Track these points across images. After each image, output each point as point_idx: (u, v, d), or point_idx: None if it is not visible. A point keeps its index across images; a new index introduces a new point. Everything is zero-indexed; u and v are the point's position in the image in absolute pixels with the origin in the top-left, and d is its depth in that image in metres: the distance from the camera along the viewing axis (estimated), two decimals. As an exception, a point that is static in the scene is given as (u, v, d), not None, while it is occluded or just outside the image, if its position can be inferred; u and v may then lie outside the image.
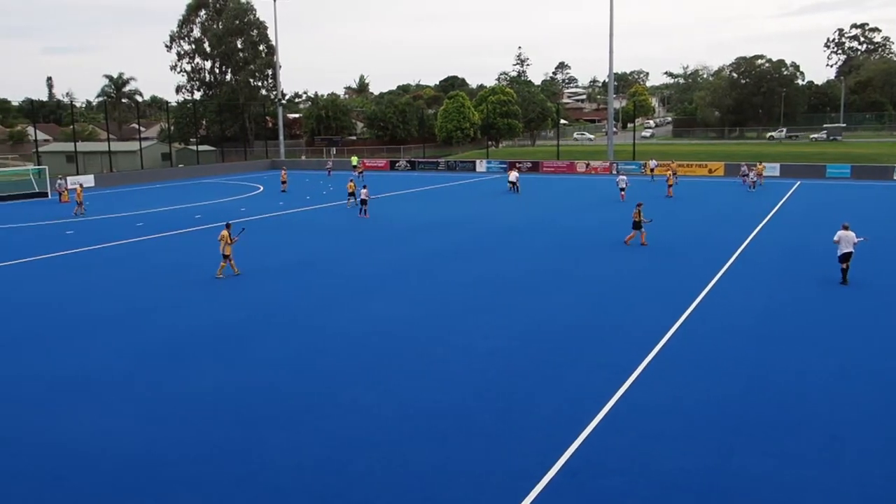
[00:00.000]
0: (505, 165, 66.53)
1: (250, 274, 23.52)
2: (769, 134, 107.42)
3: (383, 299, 20.18)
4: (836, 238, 20.95)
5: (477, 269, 23.97)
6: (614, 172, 61.49)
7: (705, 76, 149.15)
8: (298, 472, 10.45)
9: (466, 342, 16.27)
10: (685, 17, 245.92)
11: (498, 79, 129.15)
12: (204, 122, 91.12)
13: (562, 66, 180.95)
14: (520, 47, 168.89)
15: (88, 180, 56.37)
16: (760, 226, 32.40)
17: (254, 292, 21.26)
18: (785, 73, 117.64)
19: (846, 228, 20.90)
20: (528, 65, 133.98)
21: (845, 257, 20.76)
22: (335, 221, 36.16)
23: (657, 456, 10.78)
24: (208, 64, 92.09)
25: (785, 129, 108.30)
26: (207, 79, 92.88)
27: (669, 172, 47.03)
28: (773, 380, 13.78)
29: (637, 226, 27.03)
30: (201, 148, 78.64)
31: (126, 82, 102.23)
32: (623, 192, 43.01)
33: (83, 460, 10.92)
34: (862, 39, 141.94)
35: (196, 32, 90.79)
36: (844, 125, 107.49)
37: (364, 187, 38.52)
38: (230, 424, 12.12)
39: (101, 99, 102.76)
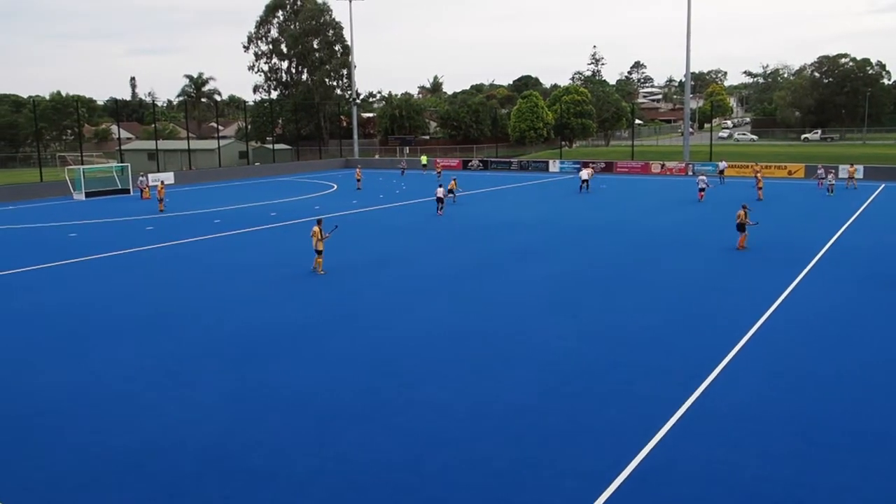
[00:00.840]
0: (578, 165, 65.90)
1: (329, 271, 23.98)
2: (803, 136, 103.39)
3: (456, 298, 20.35)
4: None
5: (551, 269, 23.95)
6: (690, 173, 60.45)
7: (786, 75, 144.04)
8: (373, 468, 10.64)
9: (540, 342, 16.29)
10: (766, 15, 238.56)
11: (572, 78, 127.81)
12: (280, 121, 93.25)
13: (637, 65, 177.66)
14: (594, 46, 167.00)
15: (168, 177, 58.57)
16: (843, 229, 31.26)
17: (330, 290, 21.74)
18: (870, 72, 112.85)
19: None
20: (602, 64, 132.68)
21: None
22: (409, 220, 36.56)
23: (731, 464, 10.61)
24: (285, 64, 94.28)
25: (820, 131, 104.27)
26: (284, 78, 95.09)
27: (759, 175, 44.80)
28: (851, 388, 13.39)
29: (741, 228, 26.25)
30: (277, 146, 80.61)
31: (205, 82, 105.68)
32: (702, 193, 42.55)
33: (164, 451, 11.47)
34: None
35: (273, 33, 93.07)
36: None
37: (440, 186, 39.30)
38: (307, 419, 12.47)
39: (181, 98, 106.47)
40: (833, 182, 45.23)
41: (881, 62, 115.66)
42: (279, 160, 76.72)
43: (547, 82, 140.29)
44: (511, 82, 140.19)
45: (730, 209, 38.47)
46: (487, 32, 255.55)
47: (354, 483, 10.23)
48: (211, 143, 76.17)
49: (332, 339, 16.86)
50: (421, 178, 61.72)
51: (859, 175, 50.82)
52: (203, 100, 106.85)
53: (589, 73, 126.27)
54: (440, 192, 37.85)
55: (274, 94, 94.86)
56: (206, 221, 36.77)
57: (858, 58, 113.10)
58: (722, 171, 54.99)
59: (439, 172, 59.68)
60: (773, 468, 10.50)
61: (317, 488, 10.13)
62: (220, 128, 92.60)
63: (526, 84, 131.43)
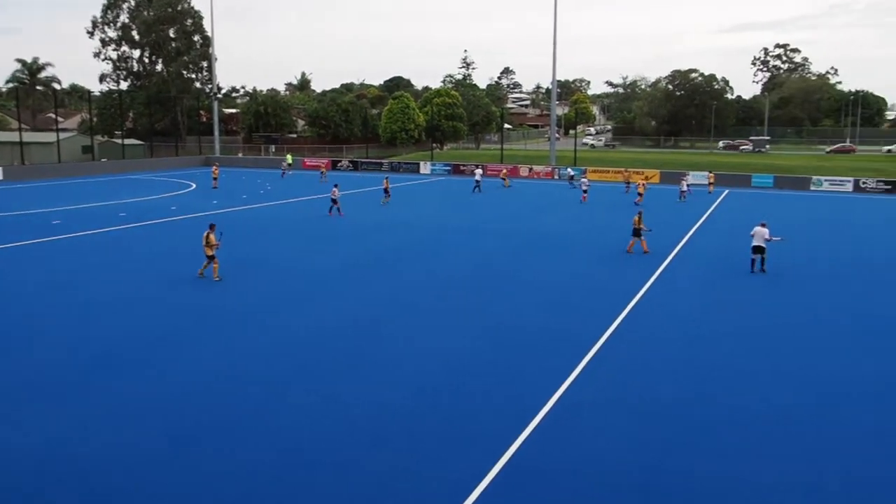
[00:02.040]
0: (449, 168, 65.62)
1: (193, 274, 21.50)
2: (741, 147, 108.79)
3: (325, 300, 19.44)
4: (752, 232, 23.97)
5: (425, 270, 23.29)
6: (556, 177, 61.75)
7: (643, 87, 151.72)
8: (234, 478, 9.92)
9: (410, 343, 15.80)
10: (627, 29, 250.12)
11: (443, 81, 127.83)
12: (131, 114, 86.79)
13: (507, 71, 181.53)
14: (465, 50, 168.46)
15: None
16: (692, 231, 32.72)
17: (201, 293, 20.06)
18: (716, 87, 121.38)
19: (763, 226, 23.73)
20: (473, 68, 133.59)
21: (756, 249, 23.54)
22: (278, 221, 34.11)
23: (597, 455, 10.70)
24: (137, 53, 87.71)
25: (722, 142, 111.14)
26: (136, 68, 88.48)
27: (642, 182, 45.93)
28: (706, 376, 14.01)
29: (637, 233, 26.52)
30: (128, 141, 74.65)
31: (42, 68, 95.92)
32: (585, 195, 44.19)
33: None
34: (784, 59, 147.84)
35: (124, 18, 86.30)
36: (769, 138, 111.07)
37: (335, 185, 38.22)
38: (164, 430, 11.27)
39: (11, 85, 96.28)
40: (685, 189, 46.34)
41: (725, 78, 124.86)
42: (130, 156, 70.84)
43: (418, 84, 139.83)
44: (382, 82, 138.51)
45: (601, 212, 38.90)
46: (359, 30, 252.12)
47: (217, 496, 9.46)
48: (48, 136, 69.20)
49: (192, 347, 15.42)
50: (287, 179, 58.82)
51: (704, 181, 53.43)
52: (39, 87, 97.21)
53: (460, 77, 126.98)
54: (336, 192, 36.49)
55: (124, 85, 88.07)
56: (44, 222, 32.57)
57: (706, 73, 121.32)
58: (572, 177, 56.76)
59: (324, 173, 57.13)
60: (637, 453, 10.74)
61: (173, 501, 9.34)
62: (60, 119, 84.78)
63: (397, 85, 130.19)
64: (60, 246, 27.16)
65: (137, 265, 23.75)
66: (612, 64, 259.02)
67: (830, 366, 14.73)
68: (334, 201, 36.00)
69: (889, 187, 53.48)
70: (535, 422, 11.68)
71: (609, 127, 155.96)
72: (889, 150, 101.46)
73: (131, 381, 13.35)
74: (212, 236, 21.17)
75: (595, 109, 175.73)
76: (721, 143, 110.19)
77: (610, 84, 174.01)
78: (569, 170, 58.79)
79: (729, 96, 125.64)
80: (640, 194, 43.23)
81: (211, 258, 21.27)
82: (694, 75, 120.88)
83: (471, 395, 12.85)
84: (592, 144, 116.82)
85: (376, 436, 11.22)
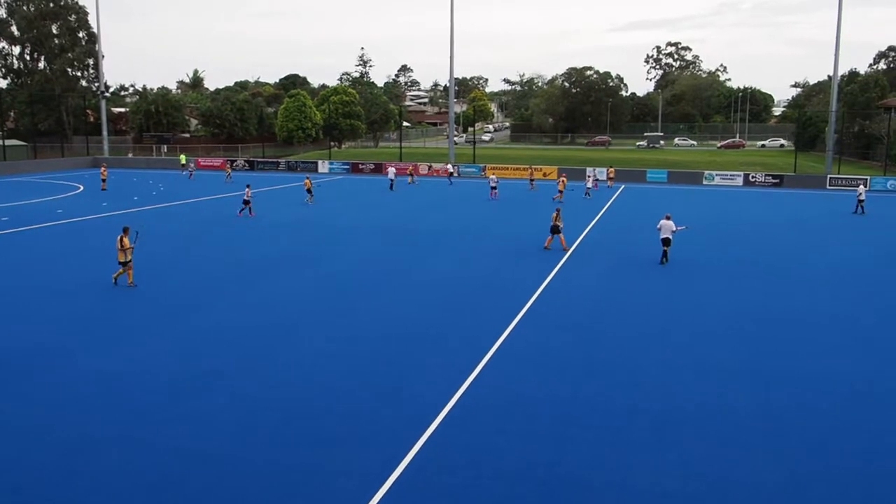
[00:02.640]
0: (348, 166, 66.00)
1: (88, 283, 21.23)
2: (637, 143, 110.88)
3: (227, 303, 19.20)
4: (658, 226, 24.89)
5: (322, 270, 23.39)
6: (456, 175, 63.07)
7: (540, 84, 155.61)
8: (130, 492, 9.68)
9: (309, 345, 15.80)
10: (523, 27, 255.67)
11: (340, 79, 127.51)
12: (12, 113, 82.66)
13: (404, 68, 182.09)
14: (362, 48, 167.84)
15: None
16: (592, 224, 33.99)
17: (78, 303, 19.49)
18: (611, 84, 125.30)
19: (668, 218, 24.62)
20: (370, 66, 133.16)
21: (665, 242, 24.49)
22: (172, 224, 33.81)
23: (498, 450, 10.95)
24: (16, 49, 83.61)
25: (647, 140, 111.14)
26: (16, 65, 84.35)
27: (562, 179, 45.99)
28: (605, 367, 14.47)
29: (556, 230, 26.69)
30: (8, 142, 71.12)
31: None
32: (494, 191, 44.63)
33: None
34: (676, 57, 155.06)
35: (1, 13, 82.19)
36: (662, 134, 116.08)
37: (247, 186, 38.18)
38: (53, 442, 10.84)
39: None
40: (591, 186, 46.91)
41: (620, 76, 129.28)
42: (11, 158, 67.62)
43: (315, 82, 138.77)
44: (278, 80, 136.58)
45: (509, 209, 40.29)
46: (252, 28, 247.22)
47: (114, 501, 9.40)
48: (-80, 137, 65.37)
49: (83, 354, 15.06)
50: (179, 179, 57.81)
51: (601, 177, 55.92)
52: None
53: (357, 75, 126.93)
54: (248, 193, 36.23)
55: (3, 83, 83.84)
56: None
57: (602, 71, 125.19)
58: (451, 174, 58.83)
59: (229, 175, 55.85)
60: (536, 450, 10.98)
61: None
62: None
63: (293, 83, 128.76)
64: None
65: (26, 270, 23.39)
66: (509, 62, 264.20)
67: (724, 355, 15.23)
68: (246, 202, 35.62)
69: (777, 181, 56.18)
70: (437, 420, 11.86)
71: (507, 124, 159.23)
72: (763, 146, 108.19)
73: (36, 386, 13.58)
74: (125, 240, 20.31)
75: (493, 107, 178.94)
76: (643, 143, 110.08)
77: (507, 81, 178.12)
78: (448, 166, 59.39)
79: (624, 93, 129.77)
80: (560, 191, 43.70)
81: (125, 263, 20.40)
82: (589, 73, 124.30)
83: (373, 395, 12.88)
84: (483, 140, 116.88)
85: (280, 434, 11.32)
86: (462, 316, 18.14)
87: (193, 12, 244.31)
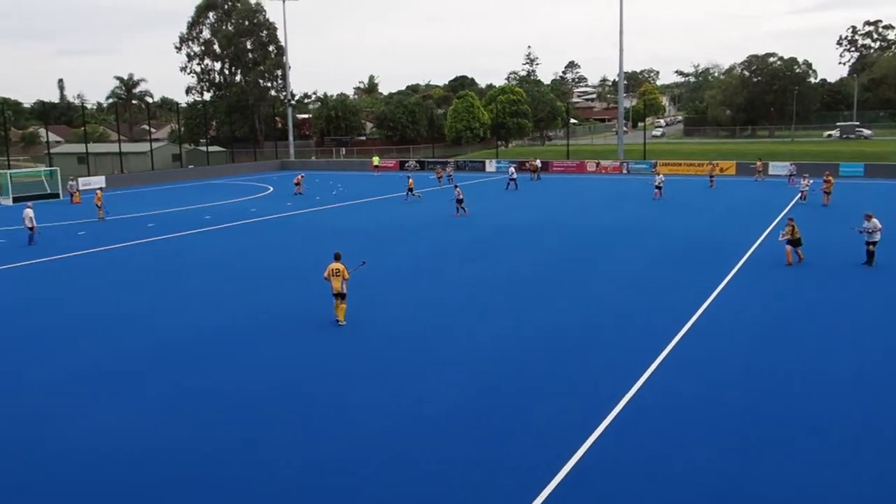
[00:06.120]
0: (515, 165, 66.49)
1: (268, 273, 23.38)
2: (826, 133, 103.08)
3: (390, 301, 20.08)
4: (863, 228, 22.76)
5: (490, 269, 23.85)
6: (625, 171, 61.86)
7: (716, 74, 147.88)
8: (306, 471, 10.44)
9: (475, 342, 16.19)
10: (696, 15, 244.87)
11: (507, 78, 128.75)
12: (214, 123, 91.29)
13: (571, 65, 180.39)
14: (529, 46, 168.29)
15: (100, 181, 56.60)
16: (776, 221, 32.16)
17: (262, 293, 21.31)
18: (797, 70, 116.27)
19: (869, 218, 22.58)
20: (537, 64, 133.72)
21: (871, 244, 22.62)
22: (347, 222, 36.07)
23: (669, 457, 10.67)
24: (218, 65, 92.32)
25: (839, 129, 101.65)
26: (217, 80, 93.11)
27: (815, 180, 41.10)
28: (785, 379, 13.62)
29: (796, 242, 23.48)
30: (211, 149, 78.78)
31: (136, 84, 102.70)
32: (659, 191, 42.54)
33: (104, 454, 10.92)
34: (875, 37, 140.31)
35: (206, 34, 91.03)
36: (858, 123, 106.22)
37: (456, 186, 39.57)
38: (240, 422, 12.12)
39: (111, 100, 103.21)
40: (806, 188, 40.01)
41: (808, 61, 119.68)
42: (213, 163, 74.95)
43: (482, 82, 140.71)
44: (447, 82, 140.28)
45: (677, 208, 39.22)
46: (422, 33, 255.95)
47: (287, 487, 10.02)
48: (143, 146, 74.06)
49: (269, 342, 16.50)
50: (358, 180, 61.14)
51: (785, 171, 52.07)
52: (134, 102, 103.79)
53: (524, 73, 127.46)
54: (459, 193, 37.21)
55: (207, 96, 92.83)
56: (140, 225, 35.60)
57: (786, 57, 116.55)
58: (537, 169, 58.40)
59: (440, 177, 55.56)
60: (711, 460, 10.56)
61: (248, 492, 9.89)
62: (153, 130, 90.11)
63: (462, 84, 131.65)
64: (158, 247, 29.87)
65: (220, 260, 26.12)
66: (681, 53, 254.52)
67: None
68: (459, 201, 36.69)
69: None
70: (606, 421, 11.80)
71: (679, 118, 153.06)
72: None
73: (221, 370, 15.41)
74: (339, 266, 17.02)
75: (665, 100, 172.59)
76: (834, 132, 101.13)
77: (680, 73, 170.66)
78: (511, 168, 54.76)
79: (812, 80, 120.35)
80: (826, 193, 38.29)
81: (340, 295, 17.21)
82: (772, 59, 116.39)
83: (541, 392, 13.07)
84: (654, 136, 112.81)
85: (446, 429, 11.64)
86: (631, 316, 17.85)
87: (369, 22, 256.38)
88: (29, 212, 31.41)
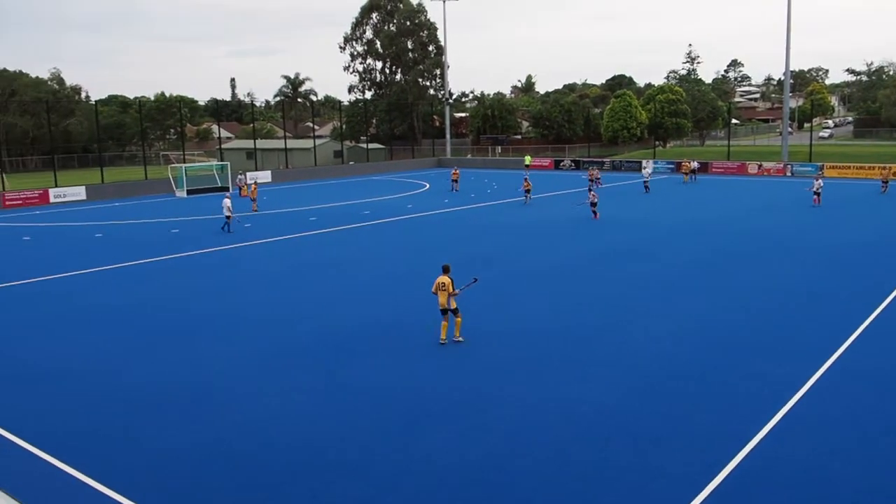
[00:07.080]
0: (672, 166, 64.97)
1: (414, 272, 24.58)
2: None
3: (545, 298, 20.41)
4: None
5: (648, 267, 23.83)
6: (789, 174, 58.69)
7: (891, 73, 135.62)
8: (459, 466, 10.75)
9: (632, 344, 16.27)
10: (868, 11, 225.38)
11: (667, 77, 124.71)
12: (374, 120, 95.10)
13: (734, 63, 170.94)
14: (690, 45, 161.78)
15: (266, 176, 60.84)
16: None
17: (419, 289, 22.22)
18: None
19: None
20: (698, 62, 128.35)
21: None
22: (506, 217, 36.72)
23: (831, 471, 10.43)
24: (379, 64, 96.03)
25: None
26: (378, 79, 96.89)
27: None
28: None
29: None
30: (371, 146, 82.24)
31: (302, 83, 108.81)
32: (817, 197, 39.69)
33: (257, 447, 12.20)
34: None
35: (369, 34, 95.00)
36: None
37: (591, 190, 39.16)
38: (394, 417, 12.62)
39: (278, 99, 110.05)
40: None
41: None
42: (373, 159, 78.36)
43: (641, 81, 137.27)
44: (604, 81, 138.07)
45: (840, 214, 36.82)
46: (581, 32, 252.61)
47: (442, 480, 10.37)
48: (307, 143, 78.26)
49: (421, 337, 16.89)
50: (514, 178, 61.80)
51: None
52: (300, 100, 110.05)
53: (684, 72, 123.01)
54: (593, 197, 37.01)
55: (368, 95, 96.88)
56: (303, 219, 38.02)
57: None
58: (694, 171, 56.03)
59: (592, 179, 53.72)
60: (876, 477, 10.23)
61: (404, 486, 10.26)
62: (316, 127, 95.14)
63: (619, 83, 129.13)
64: (318, 239, 31.90)
65: (377, 255, 27.54)
66: (853, 51, 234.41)
67: None
68: (593, 204, 36.55)
69: None
70: (764, 430, 11.66)
71: (850, 119, 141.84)
72: None
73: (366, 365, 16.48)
74: (446, 280, 15.95)
75: (834, 100, 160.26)
76: None
77: (852, 72, 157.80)
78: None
79: None
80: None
81: (450, 311, 16.16)
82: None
83: (697, 397, 13.10)
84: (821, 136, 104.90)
85: (593, 431, 11.84)
86: (793, 324, 17.33)
87: (531, 21, 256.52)
88: (227, 201, 34.55)
